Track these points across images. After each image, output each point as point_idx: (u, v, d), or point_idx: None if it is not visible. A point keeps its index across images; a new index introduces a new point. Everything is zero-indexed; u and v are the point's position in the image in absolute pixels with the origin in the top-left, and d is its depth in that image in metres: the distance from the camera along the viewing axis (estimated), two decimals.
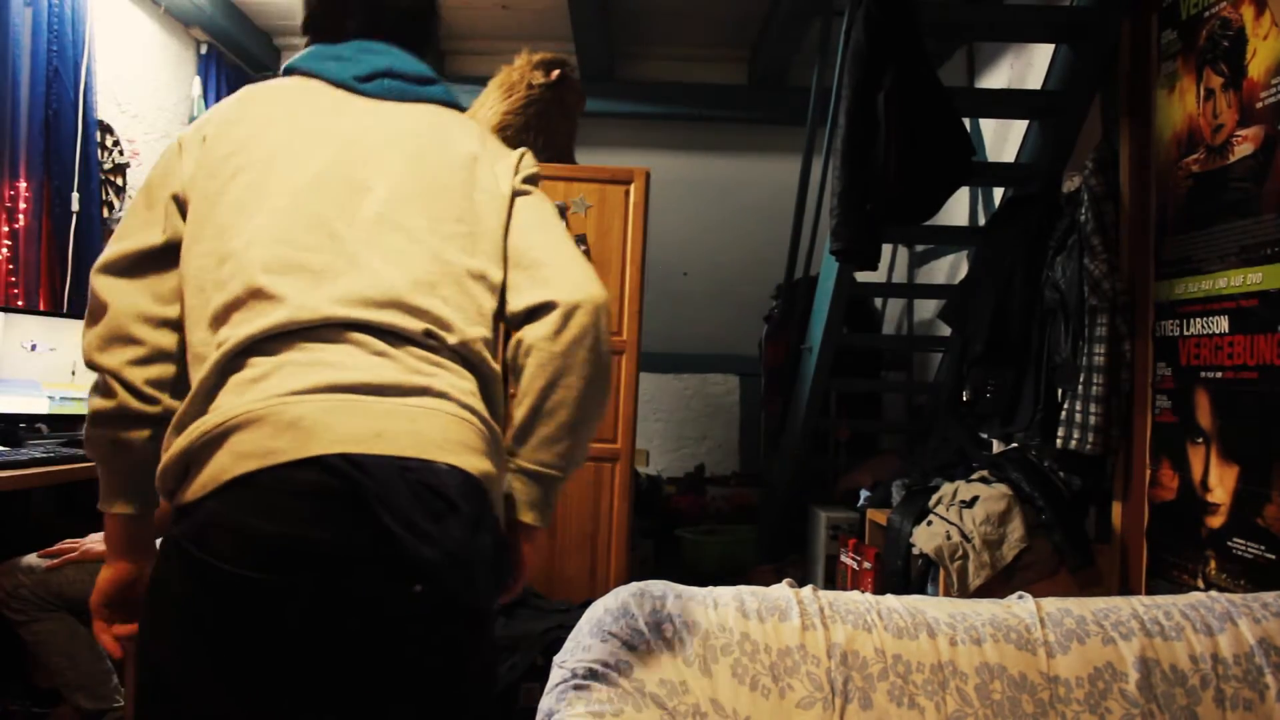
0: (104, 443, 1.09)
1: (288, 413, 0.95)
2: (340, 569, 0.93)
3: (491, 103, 3.41)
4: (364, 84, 1.19)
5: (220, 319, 1.03)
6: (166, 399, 1.08)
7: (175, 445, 0.99)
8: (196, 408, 1.01)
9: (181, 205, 1.11)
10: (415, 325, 1.05)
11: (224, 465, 0.95)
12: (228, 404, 0.98)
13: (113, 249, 1.11)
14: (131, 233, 1.11)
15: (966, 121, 2.57)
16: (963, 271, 3.87)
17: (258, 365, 1.00)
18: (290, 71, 1.22)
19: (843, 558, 3.32)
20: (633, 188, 3.32)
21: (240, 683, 0.94)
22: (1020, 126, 3.21)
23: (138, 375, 1.07)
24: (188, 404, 1.01)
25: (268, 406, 0.96)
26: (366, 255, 1.07)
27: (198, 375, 1.02)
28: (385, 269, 1.06)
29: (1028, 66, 3.43)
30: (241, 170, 1.09)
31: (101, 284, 1.09)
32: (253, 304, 1.02)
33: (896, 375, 4.79)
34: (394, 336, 1.04)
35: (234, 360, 1.01)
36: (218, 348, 1.01)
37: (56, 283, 3.00)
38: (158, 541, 1.05)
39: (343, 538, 0.92)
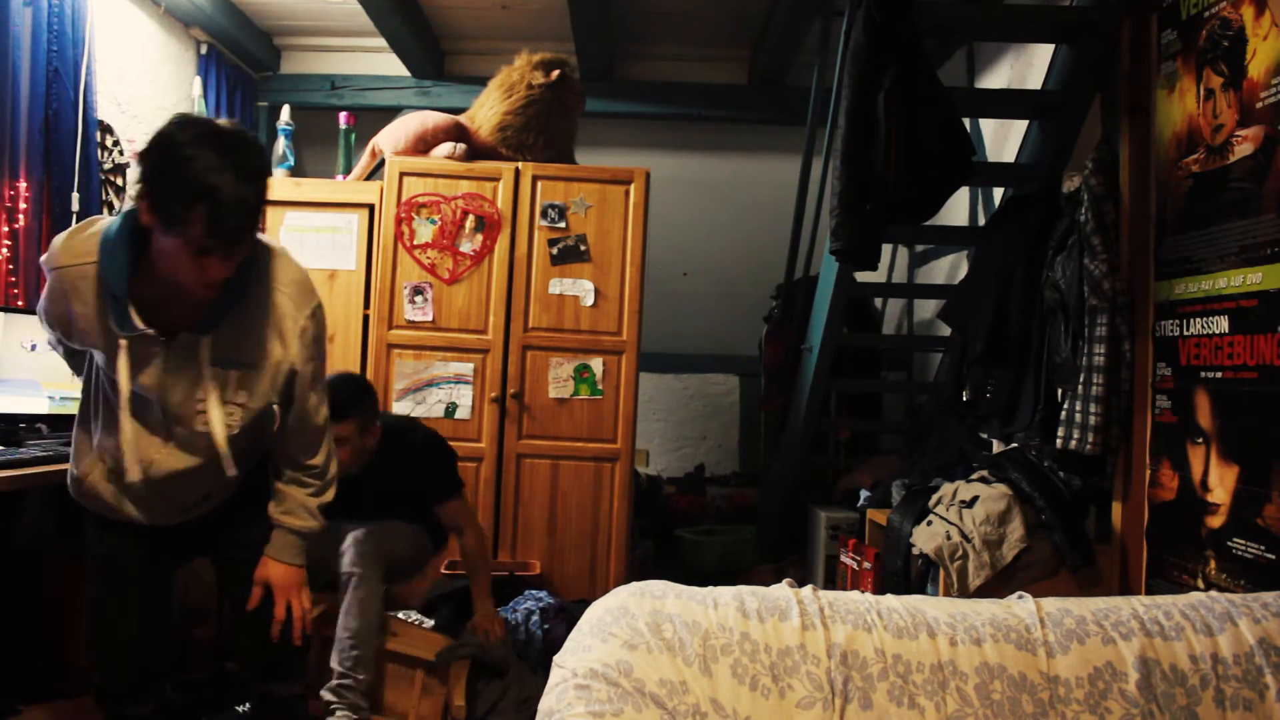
0: None
1: None
2: None
3: (491, 103, 3.41)
4: None
5: None
6: None
7: None
8: None
9: None
10: None
11: None
12: None
13: None
14: None
15: (966, 121, 2.57)
16: (963, 271, 3.87)
17: None
18: None
19: (843, 558, 3.32)
20: (633, 188, 3.32)
21: None
22: (1020, 126, 3.21)
23: None
24: None
25: None
26: None
27: None
28: None
29: (1028, 66, 3.43)
30: None
31: None
32: None
33: (896, 375, 4.79)
34: None
35: None
36: None
37: None
38: None
39: None
